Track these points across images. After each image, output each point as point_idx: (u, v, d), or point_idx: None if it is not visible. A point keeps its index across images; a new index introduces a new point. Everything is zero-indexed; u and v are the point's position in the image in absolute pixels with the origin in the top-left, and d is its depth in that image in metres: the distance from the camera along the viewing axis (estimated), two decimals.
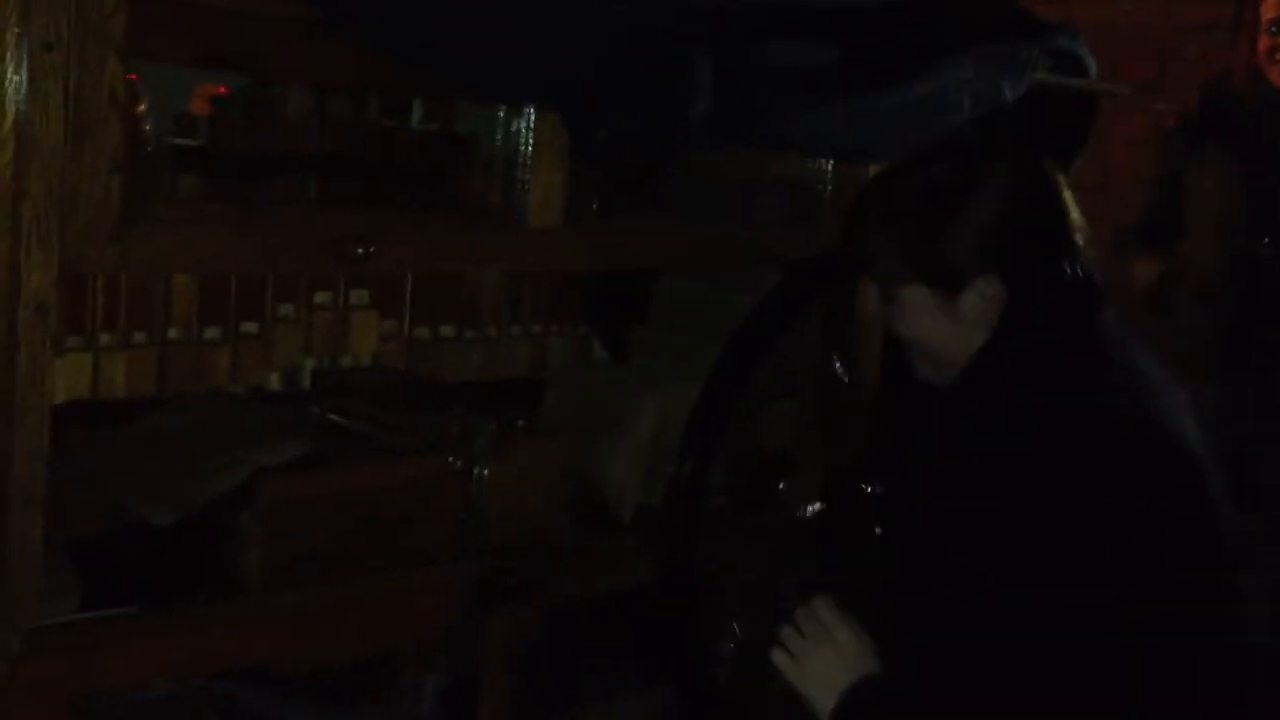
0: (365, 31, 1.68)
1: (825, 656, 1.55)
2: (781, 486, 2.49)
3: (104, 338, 2.04)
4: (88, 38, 1.55)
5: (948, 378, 1.61)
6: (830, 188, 2.47)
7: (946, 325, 1.57)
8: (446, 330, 2.47)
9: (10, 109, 1.51)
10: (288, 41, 1.81)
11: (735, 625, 2.40)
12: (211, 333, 2.17)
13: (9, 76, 1.50)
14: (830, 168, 2.46)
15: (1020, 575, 1.41)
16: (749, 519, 2.44)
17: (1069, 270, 1.56)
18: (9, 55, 1.50)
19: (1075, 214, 1.58)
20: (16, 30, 1.49)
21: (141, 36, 1.60)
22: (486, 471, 2.10)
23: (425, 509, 2.04)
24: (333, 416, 2.24)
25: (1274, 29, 3.19)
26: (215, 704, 1.96)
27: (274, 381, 2.27)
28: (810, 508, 2.47)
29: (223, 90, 2.28)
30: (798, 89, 1.86)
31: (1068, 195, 1.58)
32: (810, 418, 2.53)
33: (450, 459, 2.08)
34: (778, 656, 1.60)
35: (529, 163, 2.01)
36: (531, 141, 2.00)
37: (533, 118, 1.99)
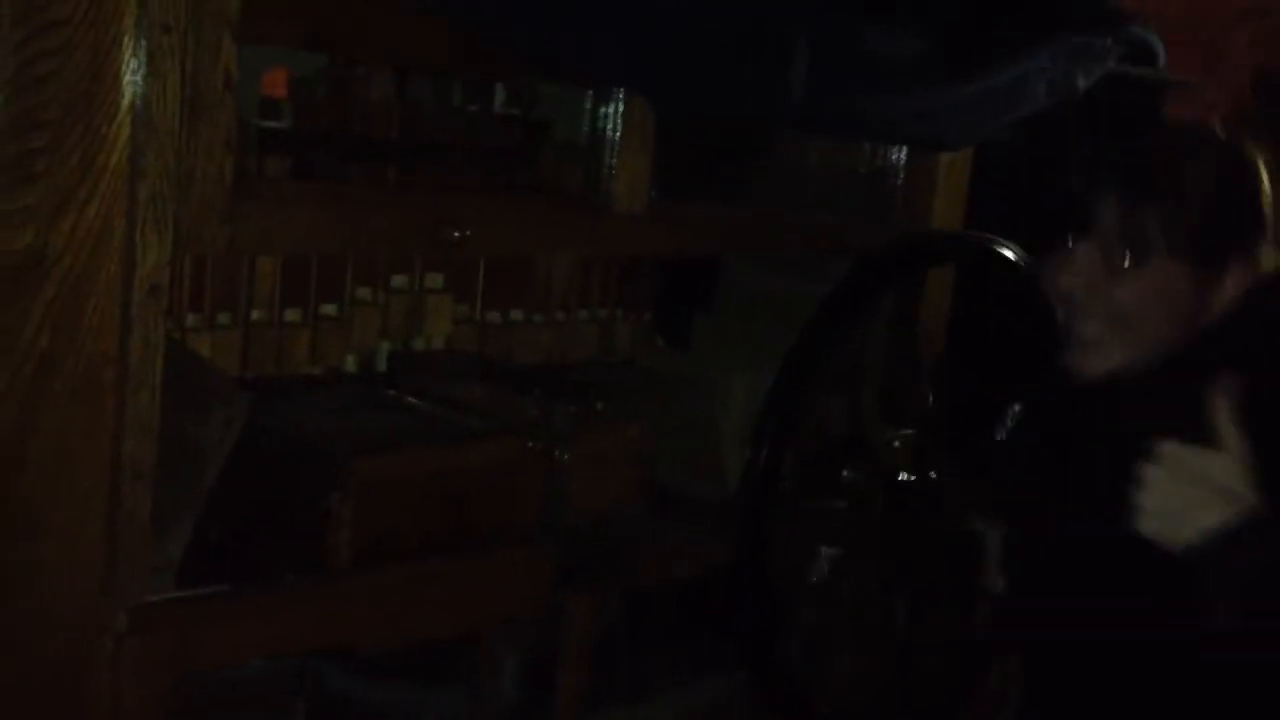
0: (472, 17, 1.69)
1: (1217, 462, 1.37)
2: (846, 473, 2.51)
3: (190, 319, 2.07)
4: (204, 19, 1.56)
5: (1112, 368, 1.57)
6: (902, 178, 2.47)
7: (1184, 303, 1.54)
8: (516, 314, 2.49)
9: (128, 91, 1.52)
10: (388, 25, 1.82)
11: (803, 611, 2.42)
12: (293, 315, 2.20)
13: (126, 59, 1.51)
14: (902, 159, 2.47)
15: None
16: (817, 505, 2.45)
17: None
18: (128, 38, 1.51)
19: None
20: (136, 12, 1.50)
21: (251, 20, 1.61)
22: (567, 455, 2.11)
23: (507, 491, 2.06)
24: (411, 399, 2.25)
25: None
26: (304, 681, 1.98)
27: (350, 363, 2.29)
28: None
29: (285, 73, 2.29)
30: (887, 77, 1.87)
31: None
32: (878, 405, 2.55)
33: (531, 442, 2.10)
34: (1149, 470, 1.39)
35: (616, 147, 2.02)
36: (620, 126, 2.01)
37: (621, 102, 2.00)
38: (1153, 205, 1.54)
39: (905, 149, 2.45)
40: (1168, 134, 1.64)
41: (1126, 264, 1.54)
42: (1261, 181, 1.56)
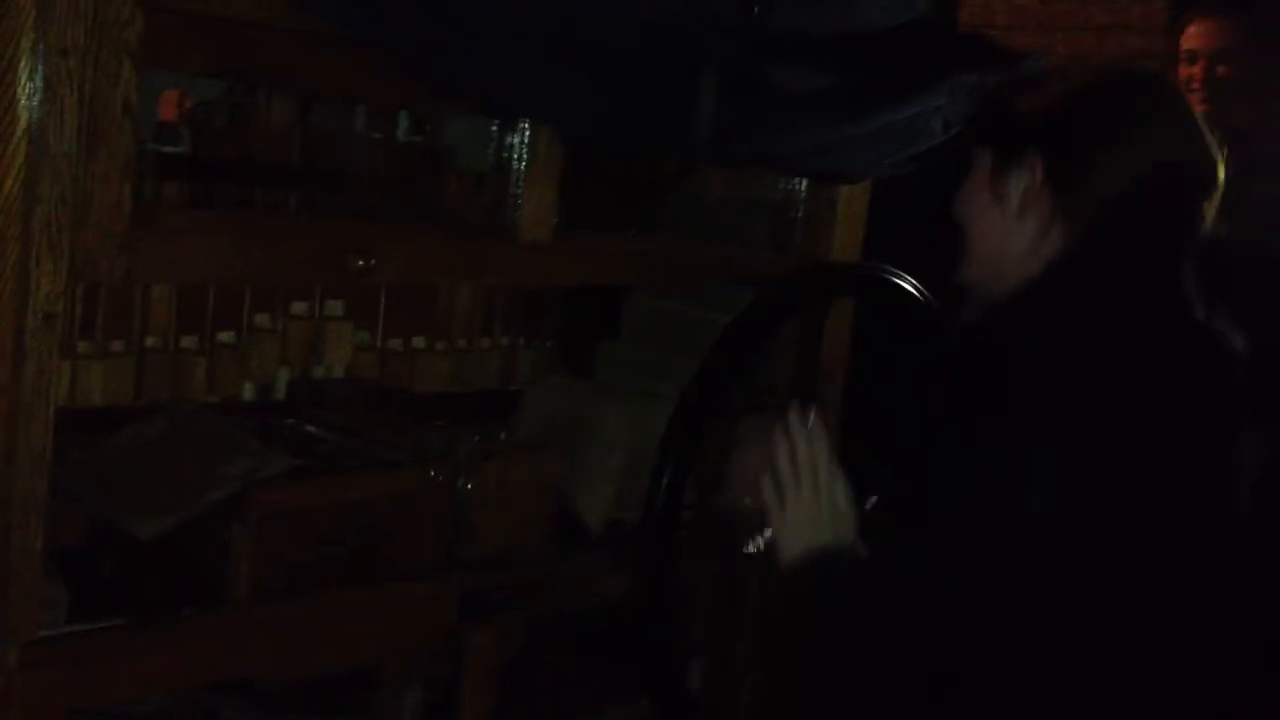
0: (376, 45, 1.68)
1: (812, 508, 1.51)
2: (748, 501, 2.53)
3: (82, 346, 2.02)
4: (103, 44, 1.53)
5: (982, 285, 1.61)
6: (803, 209, 2.51)
7: (987, 205, 1.57)
8: (418, 341, 2.47)
9: (23, 115, 1.49)
10: (290, 51, 1.80)
11: (706, 638, 2.43)
12: (188, 342, 2.16)
13: (23, 83, 1.48)
14: (803, 190, 2.50)
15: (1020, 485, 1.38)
16: (717, 534, 2.47)
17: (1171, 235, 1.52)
18: (24, 61, 1.47)
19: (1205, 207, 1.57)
20: (33, 36, 1.47)
21: (153, 46, 1.59)
22: (470, 484, 2.10)
23: (409, 522, 2.04)
24: (310, 428, 2.23)
25: (1189, 59, 3.30)
26: (202, 717, 1.94)
27: (248, 392, 2.25)
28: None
29: (178, 97, 2.26)
30: (795, 112, 1.90)
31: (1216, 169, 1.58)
32: None
33: (433, 472, 2.08)
34: (766, 487, 1.56)
35: (521, 176, 2.02)
36: (526, 155, 2.01)
37: (527, 131, 2.01)
38: (990, 110, 1.66)
39: (806, 180, 2.49)
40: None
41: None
42: (1091, 107, 1.55)
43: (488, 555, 2.11)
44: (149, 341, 2.11)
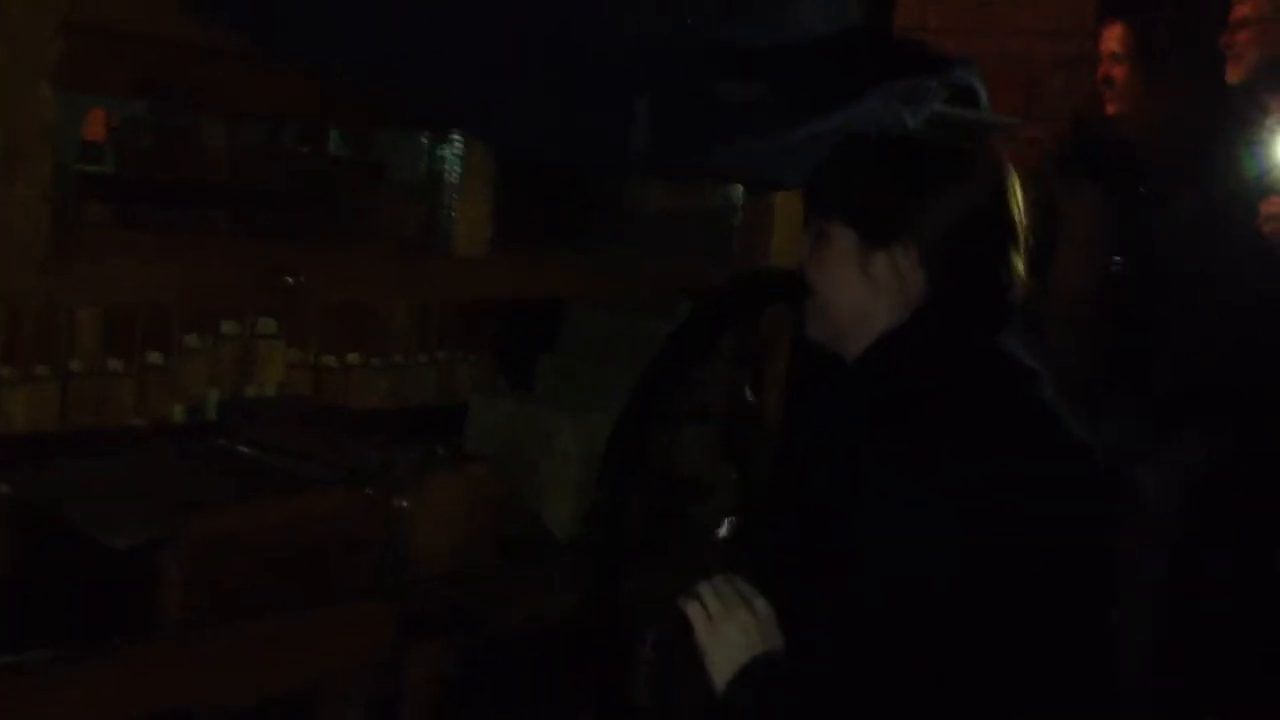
0: (306, 61, 1.65)
1: (742, 622, 1.56)
2: (691, 511, 2.52)
3: (4, 371, 1.98)
4: (20, 65, 1.49)
5: (831, 343, 1.64)
6: (740, 218, 2.50)
7: (856, 281, 1.59)
8: (353, 358, 2.44)
9: None
10: (216, 69, 1.76)
11: (651, 651, 2.41)
12: (115, 364, 2.12)
13: None
14: (740, 199, 2.50)
15: (898, 560, 1.44)
16: (664, 545, 2.45)
17: (997, 279, 1.59)
18: None
19: (1021, 223, 1.61)
20: None
21: (74, 66, 1.55)
22: (407, 502, 2.07)
23: (347, 540, 2.01)
24: (243, 448, 2.19)
25: (1113, 59, 3.35)
26: None
27: (178, 413, 2.21)
28: (720, 530, 2.49)
29: (105, 116, 2.22)
30: (731, 123, 1.89)
31: (1022, 220, 1.62)
32: (720, 443, 2.56)
33: (370, 490, 2.05)
34: (694, 610, 1.61)
35: (455, 190, 2.00)
36: (458, 168, 1.99)
37: (460, 144, 1.98)
38: (830, 170, 1.67)
39: (743, 189, 2.48)
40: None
41: (810, 233, 1.64)
42: (940, 174, 1.59)
43: (428, 573, 2.08)
44: (75, 365, 2.07)
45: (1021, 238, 1.61)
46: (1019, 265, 1.61)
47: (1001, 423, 1.50)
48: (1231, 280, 3.06)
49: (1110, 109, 3.37)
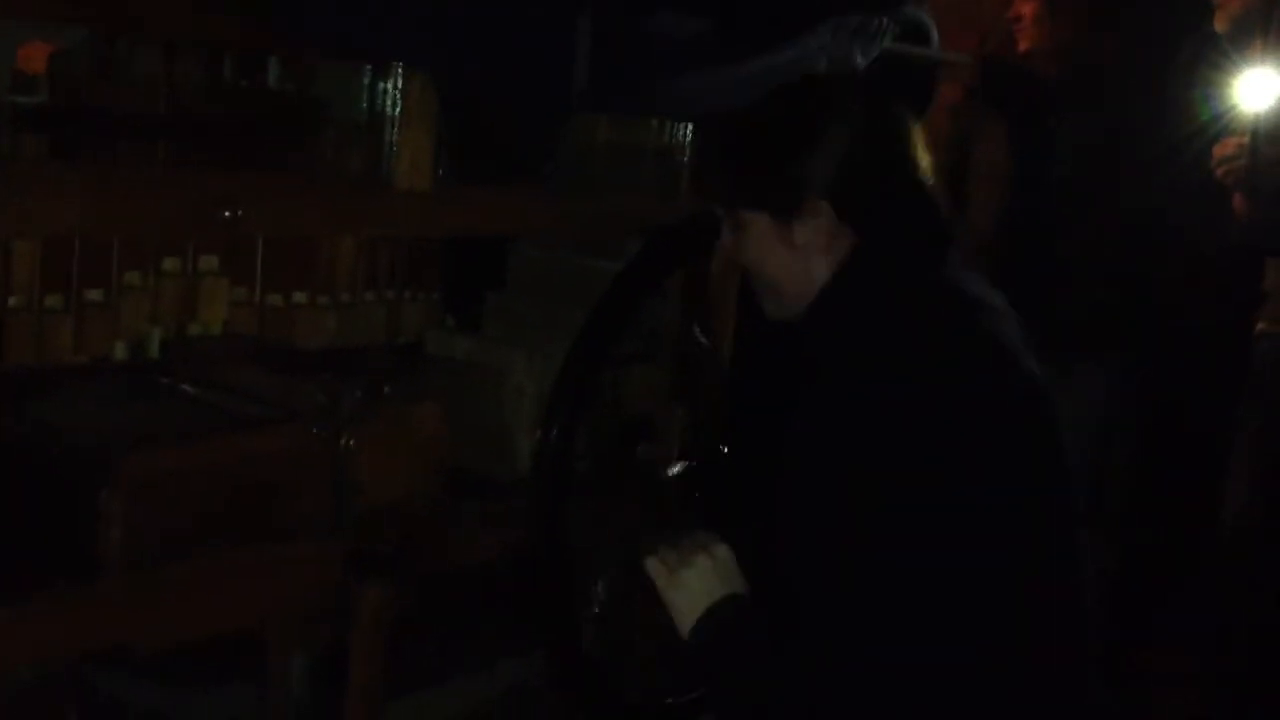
0: None
1: (701, 568, 1.57)
2: (640, 450, 2.52)
3: None
4: None
5: (791, 314, 1.64)
6: (690, 155, 2.48)
7: (784, 253, 1.59)
8: (299, 296, 2.40)
9: None
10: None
11: (599, 590, 2.42)
12: (54, 301, 2.08)
13: None
14: (689, 136, 2.48)
15: (862, 503, 1.44)
16: (611, 484, 2.45)
17: (915, 211, 1.59)
18: None
19: (924, 160, 1.60)
20: None
21: None
22: (353, 440, 2.06)
23: (292, 480, 1.99)
24: (186, 387, 2.16)
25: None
26: (77, 689, 1.88)
27: (120, 351, 2.18)
28: (671, 470, 2.50)
29: (43, 48, 2.17)
30: (673, 58, 1.87)
31: (918, 140, 1.61)
32: (668, 382, 2.56)
33: (315, 428, 2.04)
34: (651, 564, 1.61)
35: (396, 124, 1.97)
36: (400, 103, 1.96)
37: (401, 78, 1.95)
38: (718, 160, 1.65)
39: (692, 126, 2.46)
40: (772, 96, 1.68)
41: (734, 223, 1.63)
42: (822, 126, 1.57)
43: (375, 512, 2.07)
44: (12, 301, 2.03)
45: (923, 166, 1.59)
46: (933, 195, 1.61)
47: (941, 352, 1.50)
48: (1129, 208, 3.10)
49: (1021, 46, 3.37)
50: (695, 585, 1.56)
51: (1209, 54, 3.05)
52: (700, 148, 1.66)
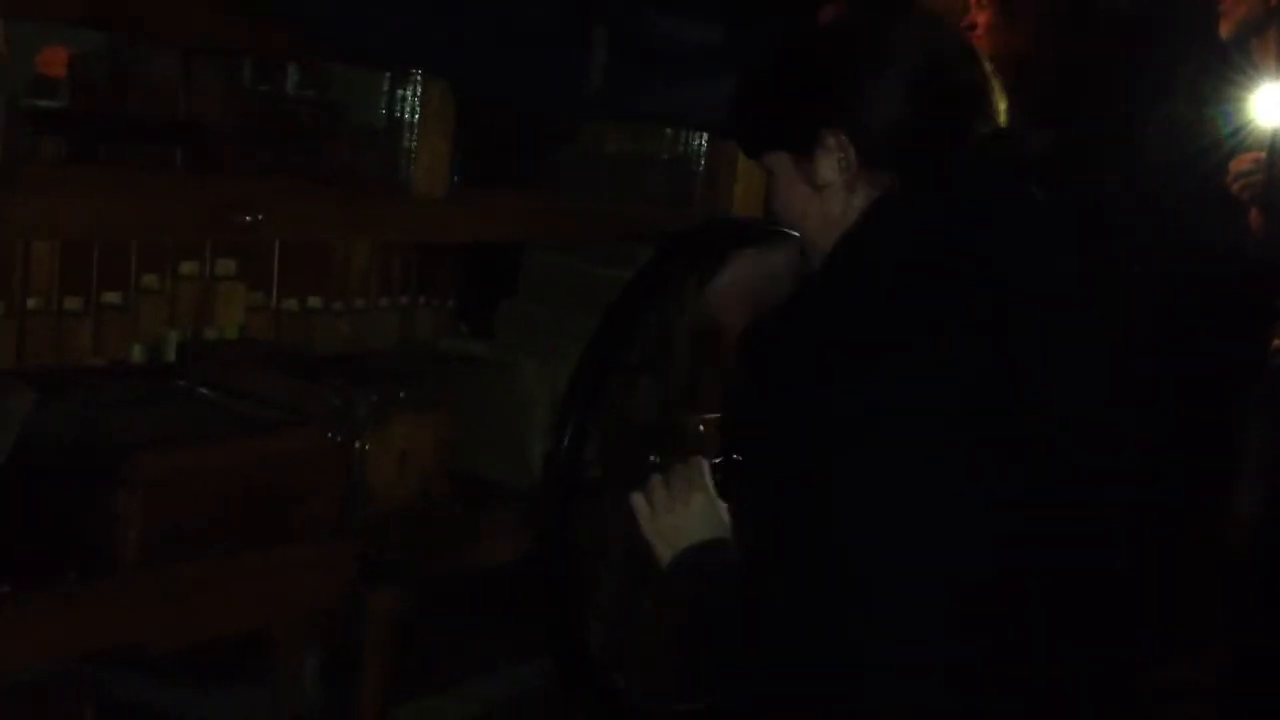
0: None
1: (684, 511, 1.53)
2: (653, 458, 2.53)
3: None
4: None
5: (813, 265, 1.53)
6: (703, 164, 2.50)
7: (808, 194, 1.48)
8: (314, 301, 2.43)
9: None
10: (171, 3, 1.74)
11: (606, 596, 2.43)
12: (73, 303, 2.10)
13: None
14: (703, 145, 2.49)
15: (864, 513, 1.36)
16: (621, 491, 2.46)
17: (960, 153, 1.45)
18: None
19: (991, 111, 1.49)
20: None
21: None
22: (367, 444, 2.07)
23: (305, 483, 2.01)
24: (202, 390, 2.18)
25: (977, 5, 3.30)
26: (91, 686, 1.89)
27: (137, 354, 2.20)
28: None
29: (63, 52, 2.19)
30: (684, 65, 1.89)
31: (972, 86, 1.49)
32: (679, 389, 2.57)
33: (330, 432, 2.05)
34: (637, 502, 1.57)
35: (415, 131, 1.98)
36: (418, 109, 1.97)
37: (419, 85, 1.97)
38: (740, 102, 1.54)
39: (706, 135, 2.47)
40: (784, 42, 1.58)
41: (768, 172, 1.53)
42: (839, 53, 1.47)
43: (387, 514, 2.08)
44: (31, 303, 2.05)
45: (989, 102, 1.48)
46: (993, 139, 1.48)
47: (908, 321, 1.38)
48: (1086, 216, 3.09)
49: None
50: (676, 527, 1.53)
51: (1217, 66, 3.05)
52: (731, 107, 1.58)
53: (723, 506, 1.56)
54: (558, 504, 2.19)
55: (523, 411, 2.40)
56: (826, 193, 1.48)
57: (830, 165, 1.47)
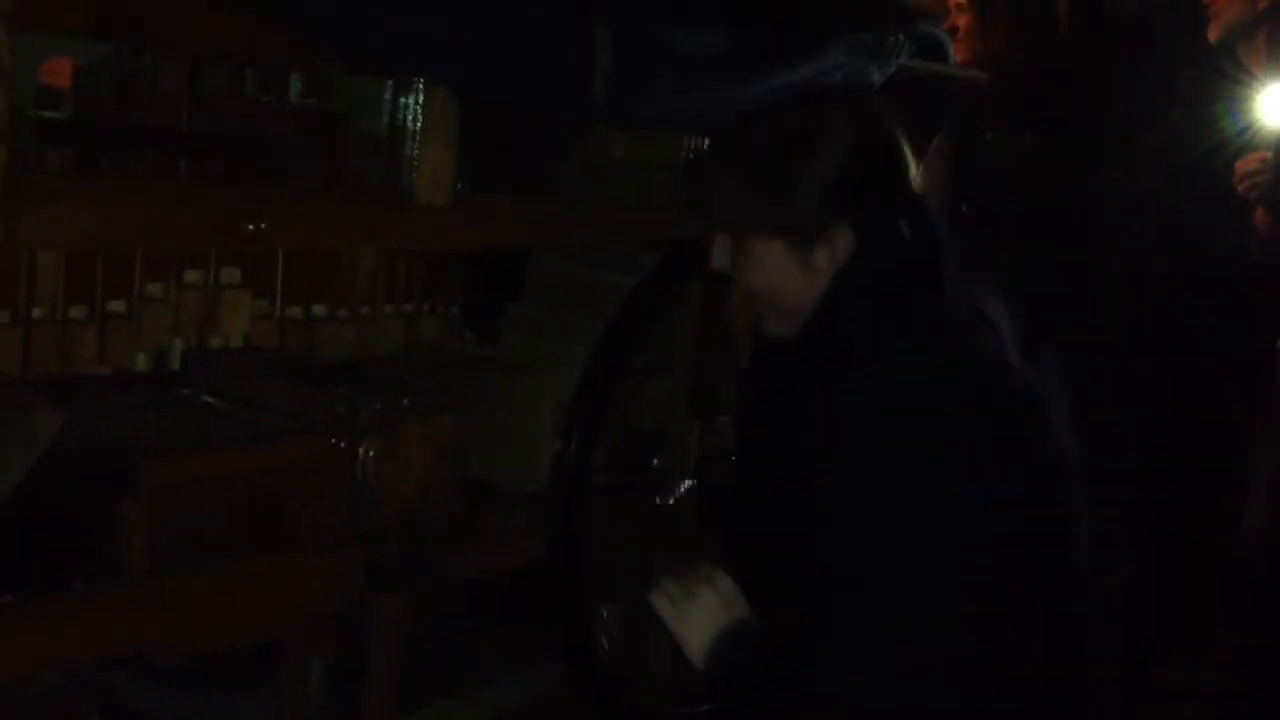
0: (266, 3, 1.64)
1: (706, 600, 1.60)
2: (656, 463, 2.53)
3: None
4: None
5: (793, 329, 1.63)
6: (691, 179, 2.49)
7: (799, 276, 1.58)
8: (319, 309, 2.42)
9: None
10: (175, 10, 1.75)
11: (614, 601, 2.43)
12: (77, 312, 2.10)
13: None
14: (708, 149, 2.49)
15: (868, 519, 1.46)
16: (626, 496, 2.47)
17: (908, 218, 1.59)
18: None
19: (912, 166, 1.62)
20: None
21: (28, 4, 1.53)
22: (372, 451, 2.07)
23: (311, 490, 2.01)
24: (207, 398, 2.18)
25: (958, 9, 3.32)
26: (98, 695, 1.89)
27: (142, 362, 2.20)
28: (685, 484, 2.51)
29: (67, 62, 2.20)
30: (692, 70, 1.89)
31: (904, 145, 1.62)
32: (683, 394, 2.57)
33: (334, 439, 2.05)
34: (657, 599, 1.65)
35: (418, 138, 1.99)
36: (421, 117, 1.98)
37: (422, 92, 1.97)
38: (725, 187, 1.62)
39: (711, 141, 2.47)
40: (766, 119, 1.66)
41: (737, 248, 1.61)
42: (828, 147, 1.57)
43: (393, 522, 2.08)
44: (36, 312, 2.04)
45: (913, 177, 1.61)
46: (925, 204, 1.62)
47: (933, 363, 1.51)
48: (1066, 219, 3.09)
49: (958, 57, 3.36)
50: (701, 617, 1.60)
51: (1213, 73, 3.06)
52: (706, 173, 1.64)
53: (733, 587, 1.62)
54: (566, 508, 2.20)
55: (529, 416, 2.40)
56: (818, 272, 1.58)
57: (827, 254, 1.57)
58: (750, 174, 1.60)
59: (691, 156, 2.54)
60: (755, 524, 1.79)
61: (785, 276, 1.59)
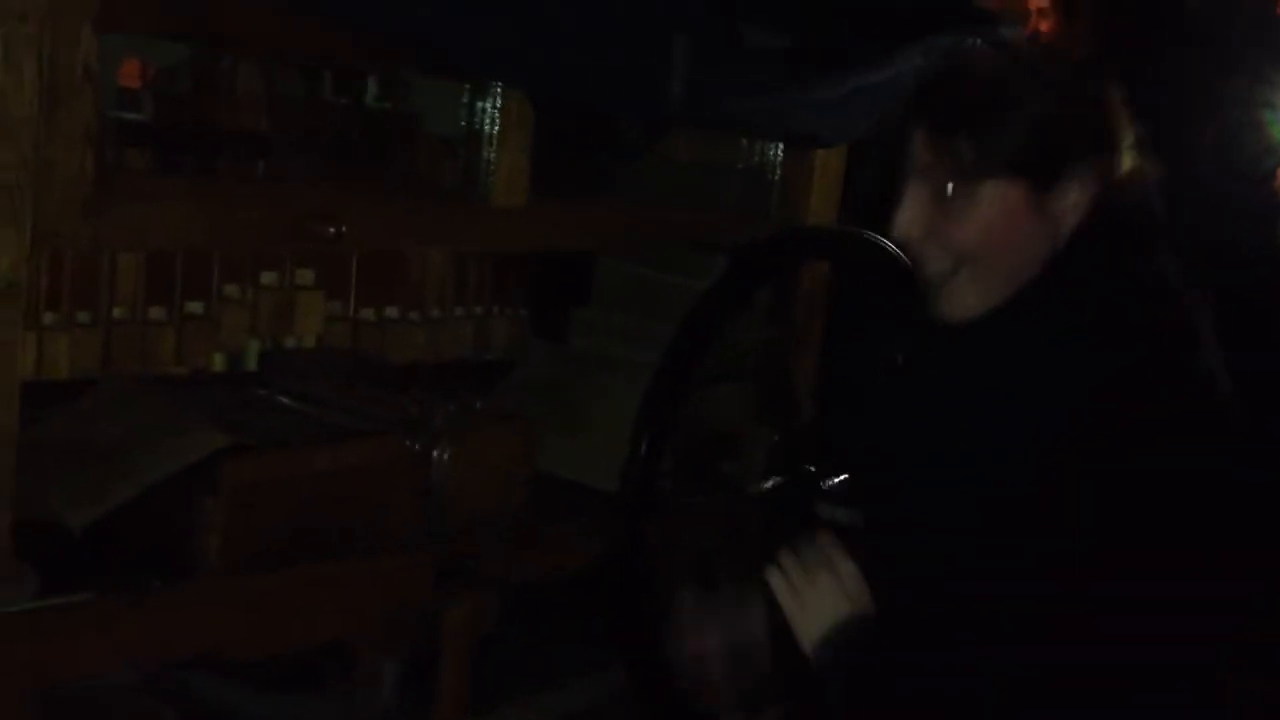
0: (344, 10, 1.65)
1: (826, 586, 1.50)
2: (726, 468, 2.52)
3: (48, 317, 1.99)
4: (63, 8, 1.49)
5: (972, 309, 1.45)
6: (778, 174, 2.49)
7: (1030, 221, 1.41)
8: (391, 311, 2.44)
9: None
10: (252, 14, 1.76)
11: (682, 609, 2.41)
12: (156, 313, 2.12)
13: None
14: (779, 155, 2.48)
15: (1038, 537, 1.33)
16: (696, 500, 2.45)
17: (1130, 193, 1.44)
18: None
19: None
20: None
21: (112, 8, 1.55)
22: (446, 454, 2.08)
23: (385, 492, 2.02)
24: (283, 399, 2.20)
25: (1040, 14, 3.28)
26: (173, 691, 1.91)
27: (218, 362, 2.22)
28: (755, 488, 2.49)
29: (140, 66, 2.22)
30: (765, 73, 1.88)
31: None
32: (754, 399, 2.56)
33: (409, 441, 2.06)
34: (775, 579, 1.55)
35: (493, 142, 1.99)
36: (497, 120, 1.98)
37: (499, 96, 1.98)
38: (966, 129, 1.42)
39: (781, 145, 2.46)
40: (979, 57, 1.58)
41: (952, 196, 1.42)
42: (1089, 89, 1.46)
43: (465, 525, 2.09)
44: (116, 312, 2.08)
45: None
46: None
47: (1172, 371, 1.39)
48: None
49: None
50: (819, 603, 1.50)
51: (1274, 72, 3.02)
52: (927, 120, 1.46)
53: (856, 574, 1.52)
54: (634, 514, 2.19)
55: (598, 420, 2.40)
56: (1053, 223, 1.42)
57: (1072, 193, 1.42)
58: (983, 112, 1.42)
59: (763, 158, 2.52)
60: (886, 531, 1.69)
61: (1015, 220, 1.42)
